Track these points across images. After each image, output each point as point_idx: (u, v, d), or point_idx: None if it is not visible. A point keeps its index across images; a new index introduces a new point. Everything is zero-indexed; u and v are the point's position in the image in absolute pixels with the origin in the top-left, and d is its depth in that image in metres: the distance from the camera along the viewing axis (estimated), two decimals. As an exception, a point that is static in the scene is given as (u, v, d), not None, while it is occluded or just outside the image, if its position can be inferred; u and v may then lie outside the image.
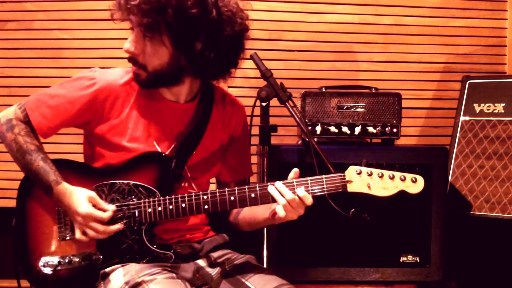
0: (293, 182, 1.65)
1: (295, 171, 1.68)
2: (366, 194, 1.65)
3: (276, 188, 1.64)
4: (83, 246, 1.72)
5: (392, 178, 1.63)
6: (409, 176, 1.63)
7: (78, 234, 1.69)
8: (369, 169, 1.64)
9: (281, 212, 1.63)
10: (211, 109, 1.85)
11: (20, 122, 1.75)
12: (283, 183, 1.65)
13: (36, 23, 2.82)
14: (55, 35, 2.82)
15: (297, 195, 1.63)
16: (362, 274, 2.30)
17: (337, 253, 2.30)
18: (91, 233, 1.68)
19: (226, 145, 1.91)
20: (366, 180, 1.64)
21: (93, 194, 1.69)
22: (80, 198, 1.67)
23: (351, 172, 1.65)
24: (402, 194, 2.30)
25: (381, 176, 1.63)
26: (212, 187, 1.92)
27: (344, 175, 1.65)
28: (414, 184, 1.63)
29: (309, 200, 1.64)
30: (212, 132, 1.86)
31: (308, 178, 1.65)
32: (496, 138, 2.52)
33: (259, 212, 1.77)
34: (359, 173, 1.64)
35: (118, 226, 1.69)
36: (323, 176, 1.66)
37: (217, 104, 1.88)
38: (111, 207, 1.69)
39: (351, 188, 1.64)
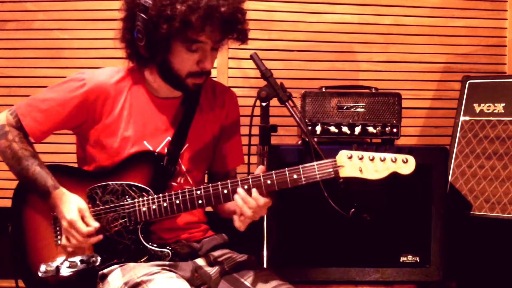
0: (285, 171, 1.64)
1: (260, 167, 1.68)
2: (359, 178, 1.63)
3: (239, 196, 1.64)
4: (80, 249, 1.73)
5: (383, 160, 1.61)
6: (400, 157, 1.62)
7: (63, 240, 1.71)
8: (359, 153, 1.62)
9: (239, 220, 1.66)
10: (198, 100, 1.86)
11: (12, 128, 1.77)
12: (263, 175, 1.64)
13: (36, 23, 2.82)
14: (55, 35, 2.82)
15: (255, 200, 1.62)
16: (362, 274, 2.30)
17: (337, 253, 2.30)
18: (72, 241, 1.69)
19: (218, 135, 1.92)
20: (357, 164, 1.62)
21: (84, 206, 1.70)
22: (72, 205, 1.69)
23: (342, 157, 1.63)
24: (402, 192, 2.32)
25: (372, 159, 1.62)
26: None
27: (335, 161, 1.63)
28: (405, 165, 1.62)
29: (261, 201, 1.63)
30: (203, 124, 1.87)
31: (300, 166, 1.64)
32: (496, 138, 2.52)
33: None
34: (350, 157, 1.63)
35: (98, 238, 1.70)
36: (315, 163, 1.65)
37: (206, 94, 1.89)
38: (95, 225, 1.69)
39: (343, 173, 1.63)
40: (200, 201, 1.69)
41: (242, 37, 1.76)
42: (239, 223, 1.66)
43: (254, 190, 1.63)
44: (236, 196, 1.64)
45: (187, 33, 1.66)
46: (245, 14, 1.74)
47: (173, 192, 1.71)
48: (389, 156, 1.62)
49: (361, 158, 1.62)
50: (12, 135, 1.76)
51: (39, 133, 1.78)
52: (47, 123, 1.77)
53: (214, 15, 1.64)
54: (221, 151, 1.95)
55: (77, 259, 1.72)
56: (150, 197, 1.72)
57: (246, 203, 1.63)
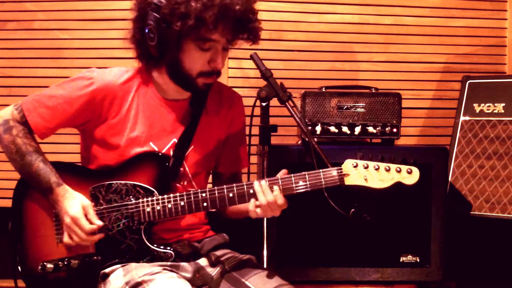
0: (291, 177, 1.66)
1: (283, 171, 1.69)
2: (363, 186, 1.66)
3: (260, 186, 1.65)
4: (81, 248, 1.72)
5: (388, 170, 1.65)
6: (404, 167, 1.65)
7: (65, 237, 1.71)
8: (365, 162, 1.66)
9: (254, 212, 1.67)
10: (204, 102, 1.86)
11: (17, 123, 1.76)
12: (282, 178, 1.66)
13: (36, 23, 2.82)
14: (55, 35, 2.82)
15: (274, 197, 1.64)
16: (362, 274, 2.30)
17: (337, 253, 2.30)
18: (75, 238, 1.69)
19: (224, 139, 1.92)
20: (362, 173, 1.66)
21: (88, 203, 1.70)
22: (75, 201, 1.68)
23: (348, 165, 1.67)
24: (402, 192, 2.32)
25: (377, 169, 1.65)
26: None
27: (341, 169, 1.67)
28: (409, 175, 1.66)
29: (280, 200, 1.65)
30: (209, 126, 1.87)
31: (306, 173, 1.66)
32: (496, 138, 2.52)
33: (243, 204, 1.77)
34: (356, 166, 1.66)
35: (100, 236, 1.70)
36: (321, 170, 1.67)
37: (213, 97, 1.89)
38: (99, 223, 1.69)
39: (348, 181, 1.66)
40: (205, 204, 1.69)
41: (254, 37, 1.76)
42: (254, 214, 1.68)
43: (275, 188, 1.65)
44: (256, 183, 1.65)
45: (201, 31, 1.67)
46: (256, 14, 1.74)
47: (178, 194, 1.71)
48: (394, 166, 1.65)
49: (366, 167, 1.65)
50: (17, 130, 1.75)
51: (44, 130, 1.77)
52: (53, 120, 1.77)
53: (228, 13, 1.65)
54: (227, 155, 1.95)
55: (78, 257, 1.72)
56: (154, 198, 1.72)
57: (265, 195, 1.64)
